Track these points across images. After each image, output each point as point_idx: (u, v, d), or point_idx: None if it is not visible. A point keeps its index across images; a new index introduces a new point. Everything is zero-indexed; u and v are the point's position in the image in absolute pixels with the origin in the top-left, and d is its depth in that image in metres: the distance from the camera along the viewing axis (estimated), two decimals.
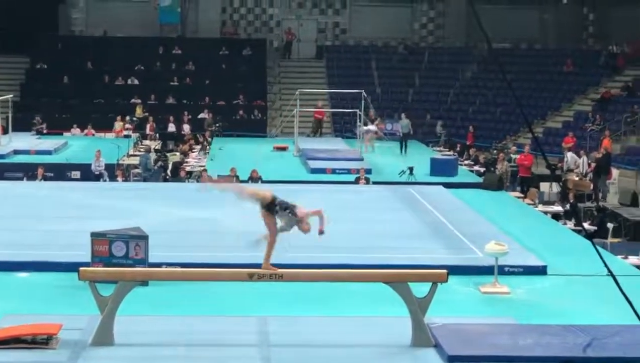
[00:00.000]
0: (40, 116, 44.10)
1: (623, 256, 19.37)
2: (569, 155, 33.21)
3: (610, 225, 23.45)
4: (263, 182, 28.50)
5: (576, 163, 33.09)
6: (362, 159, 33.43)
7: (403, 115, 40.21)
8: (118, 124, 43.42)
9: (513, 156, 34.66)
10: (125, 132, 42.43)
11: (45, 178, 29.70)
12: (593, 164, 31.95)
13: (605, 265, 8.70)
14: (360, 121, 38.05)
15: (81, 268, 13.05)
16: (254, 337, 13.13)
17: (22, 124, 42.01)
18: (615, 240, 23.37)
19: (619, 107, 42.43)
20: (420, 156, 34.91)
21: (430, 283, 12.95)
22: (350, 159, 33.89)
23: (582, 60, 49.28)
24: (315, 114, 45.04)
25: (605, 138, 35.88)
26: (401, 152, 37.40)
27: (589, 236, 21.24)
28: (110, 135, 42.40)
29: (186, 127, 44.73)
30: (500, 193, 28.57)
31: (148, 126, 43.86)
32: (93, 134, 43.45)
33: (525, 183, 30.93)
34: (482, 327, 13.51)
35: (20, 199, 24.50)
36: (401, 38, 53.55)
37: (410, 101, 49.92)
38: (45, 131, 43.07)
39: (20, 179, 30.04)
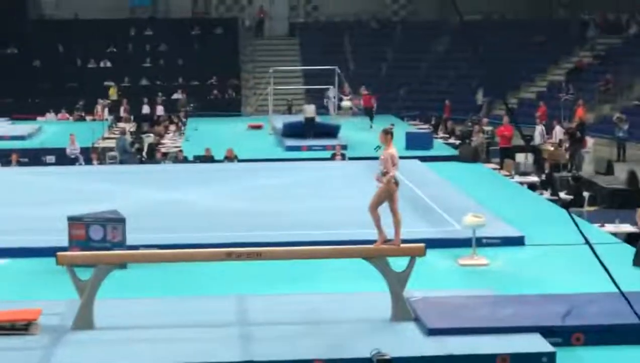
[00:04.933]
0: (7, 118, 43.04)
1: (599, 224, 19.45)
2: (538, 129, 32.96)
3: (586, 194, 23.52)
4: (240, 161, 28.47)
5: (544, 137, 32.84)
6: (337, 136, 33.36)
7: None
8: (99, 107, 43.01)
9: (485, 128, 34.34)
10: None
11: (20, 164, 29.53)
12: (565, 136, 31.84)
13: (582, 234, 8.71)
14: (334, 97, 37.81)
15: (59, 253, 12.99)
16: (234, 316, 13.12)
17: None
18: (592, 209, 23.46)
19: (592, 77, 42.56)
20: (396, 130, 34.73)
21: (408, 257, 12.98)
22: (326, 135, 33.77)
23: (553, 30, 49.35)
24: (363, 101, 40.20)
25: (579, 107, 35.99)
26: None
27: (565, 205, 21.32)
28: (89, 118, 42.06)
29: (160, 109, 44.50)
30: (476, 165, 28.62)
31: (122, 108, 43.61)
32: (68, 118, 43.17)
33: (505, 154, 30.61)
34: (461, 299, 13.56)
35: None
36: (373, 13, 53.42)
37: (384, 75, 49.90)
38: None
39: None
